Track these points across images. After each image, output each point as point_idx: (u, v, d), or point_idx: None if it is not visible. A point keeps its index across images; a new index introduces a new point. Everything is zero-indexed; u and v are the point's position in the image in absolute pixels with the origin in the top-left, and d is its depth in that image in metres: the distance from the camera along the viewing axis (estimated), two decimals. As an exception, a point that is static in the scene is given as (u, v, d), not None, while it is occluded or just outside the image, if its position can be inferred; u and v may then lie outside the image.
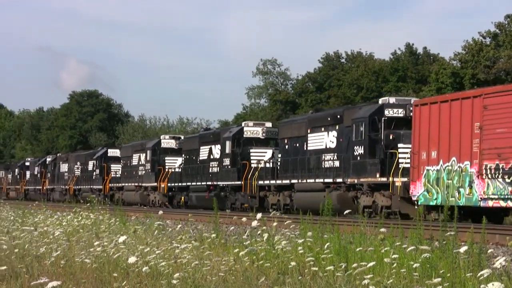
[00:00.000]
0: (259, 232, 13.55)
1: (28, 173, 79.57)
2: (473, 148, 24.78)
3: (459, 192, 25.17)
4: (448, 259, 11.10)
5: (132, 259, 11.00)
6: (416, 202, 26.98)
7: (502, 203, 23.71)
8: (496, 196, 23.81)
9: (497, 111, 24.09)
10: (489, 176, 24.10)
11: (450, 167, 25.62)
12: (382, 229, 12.28)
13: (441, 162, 26.03)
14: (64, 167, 68.55)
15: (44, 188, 72.97)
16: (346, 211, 15.18)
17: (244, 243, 13.42)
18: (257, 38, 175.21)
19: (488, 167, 24.16)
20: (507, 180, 23.47)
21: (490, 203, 24.08)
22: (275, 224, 13.64)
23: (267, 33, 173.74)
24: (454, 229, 12.05)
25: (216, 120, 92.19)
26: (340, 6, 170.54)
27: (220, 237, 16.03)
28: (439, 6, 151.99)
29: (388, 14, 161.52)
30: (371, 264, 9.80)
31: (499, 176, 23.73)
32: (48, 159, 74.18)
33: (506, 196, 23.48)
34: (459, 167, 25.25)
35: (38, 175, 75.34)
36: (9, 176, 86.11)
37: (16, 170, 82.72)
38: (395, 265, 10.24)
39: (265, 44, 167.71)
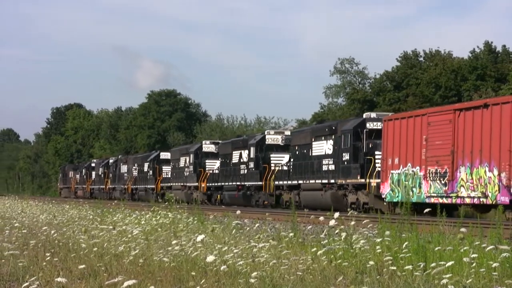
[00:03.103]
0: (336, 231, 14.63)
1: (93, 174, 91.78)
2: (421, 156, 35.49)
3: (412, 191, 35.75)
4: (528, 258, 11.88)
5: (210, 258, 11.89)
6: (384, 199, 37.91)
7: (440, 200, 34.50)
8: (436, 194, 34.59)
9: (436, 127, 34.73)
10: (431, 178, 34.83)
11: (407, 171, 36.37)
12: (462, 229, 12.86)
13: (401, 167, 36.72)
14: (124, 168, 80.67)
15: (107, 187, 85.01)
16: (426, 210, 17.62)
17: (322, 242, 14.70)
18: (334, 37, 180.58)
19: (430, 171, 34.86)
20: (442, 182, 34.30)
21: (432, 200, 34.82)
22: (353, 223, 14.41)
23: (344, 32, 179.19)
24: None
25: (294, 119, 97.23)
26: (418, 5, 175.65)
27: (297, 236, 17.25)
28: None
29: (467, 12, 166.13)
30: (449, 263, 10.67)
31: (437, 179, 34.59)
32: (111, 161, 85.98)
33: (442, 195, 34.37)
34: (413, 171, 35.97)
35: (102, 175, 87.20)
36: (77, 176, 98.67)
37: (83, 170, 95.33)
38: (474, 264, 11.04)
39: (342, 43, 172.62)
